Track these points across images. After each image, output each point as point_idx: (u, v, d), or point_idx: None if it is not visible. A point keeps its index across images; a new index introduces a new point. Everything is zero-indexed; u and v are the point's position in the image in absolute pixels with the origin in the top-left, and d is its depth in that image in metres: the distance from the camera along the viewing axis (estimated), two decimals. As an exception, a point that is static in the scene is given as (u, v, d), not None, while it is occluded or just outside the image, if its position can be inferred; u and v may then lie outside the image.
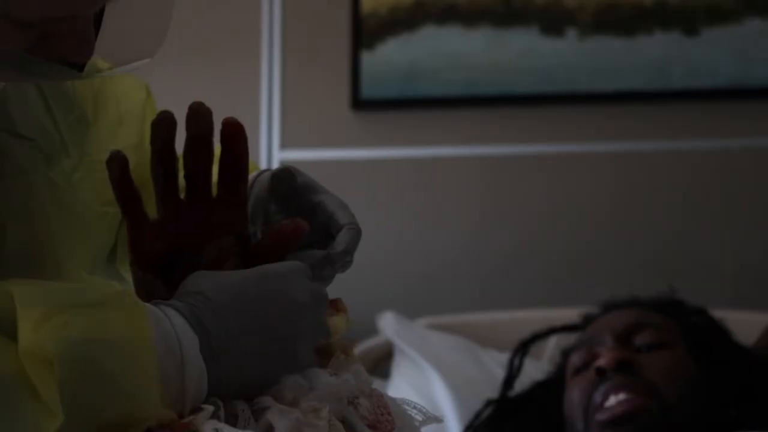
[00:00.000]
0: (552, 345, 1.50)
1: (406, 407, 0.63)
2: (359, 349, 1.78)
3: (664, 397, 1.08)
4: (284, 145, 2.31)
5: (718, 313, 1.30)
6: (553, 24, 2.25)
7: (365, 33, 2.30)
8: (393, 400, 0.63)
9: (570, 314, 1.39)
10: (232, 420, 0.56)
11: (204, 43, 2.42)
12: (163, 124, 0.70)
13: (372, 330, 1.78)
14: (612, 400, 1.09)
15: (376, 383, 1.41)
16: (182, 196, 0.72)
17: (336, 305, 0.69)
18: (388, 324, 1.74)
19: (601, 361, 1.13)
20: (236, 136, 0.71)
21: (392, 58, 2.29)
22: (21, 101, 0.75)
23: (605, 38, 2.23)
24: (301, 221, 0.69)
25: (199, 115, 0.70)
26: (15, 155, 0.72)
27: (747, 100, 2.20)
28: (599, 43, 2.23)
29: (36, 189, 0.73)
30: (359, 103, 2.30)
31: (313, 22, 2.37)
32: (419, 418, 0.64)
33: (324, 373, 0.59)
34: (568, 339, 1.32)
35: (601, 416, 1.09)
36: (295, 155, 2.28)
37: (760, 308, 1.74)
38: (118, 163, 0.69)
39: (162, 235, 0.70)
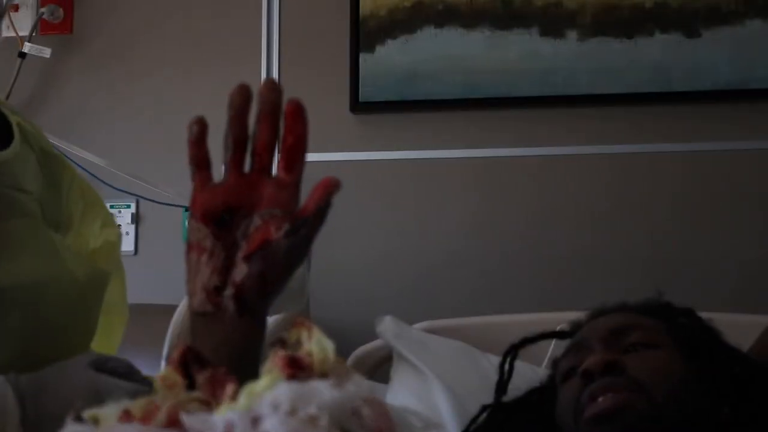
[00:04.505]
0: (551, 350, 1.49)
1: (406, 414, 0.62)
2: (358, 353, 1.77)
3: (652, 394, 1.08)
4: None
5: (715, 316, 1.29)
6: (553, 26, 2.24)
7: (364, 35, 2.30)
8: (393, 407, 0.62)
9: (569, 317, 1.38)
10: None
11: (204, 46, 2.42)
12: (238, 93, 0.77)
13: (371, 334, 1.78)
14: (599, 400, 1.09)
15: (375, 388, 1.40)
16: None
17: (301, 323, 0.68)
18: (387, 328, 1.73)
19: (587, 365, 1.12)
20: (297, 116, 0.77)
21: (391, 60, 2.28)
22: (26, 167, 0.99)
23: (605, 40, 2.23)
24: (331, 177, 0.75)
25: (268, 92, 0.77)
26: (20, 203, 0.92)
27: (747, 102, 2.20)
28: (599, 45, 2.23)
29: (36, 228, 0.95)
30: (358, 105, 2.29)
31: (312, 24, 2.37)
32: (419, 425, 0.63)
33: (325, 384, 0.59)
34: (566, 345, 1.32)
35: (588, 413, 1.08)
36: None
37: (757, 310, 1.74)
38: (198, 127, 0.77)
39: (218, 197, 0.78)
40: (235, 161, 0.79)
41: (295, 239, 0.77)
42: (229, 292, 0.77)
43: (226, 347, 0.77)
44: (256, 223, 0.77)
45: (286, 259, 0.77)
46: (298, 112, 0.77)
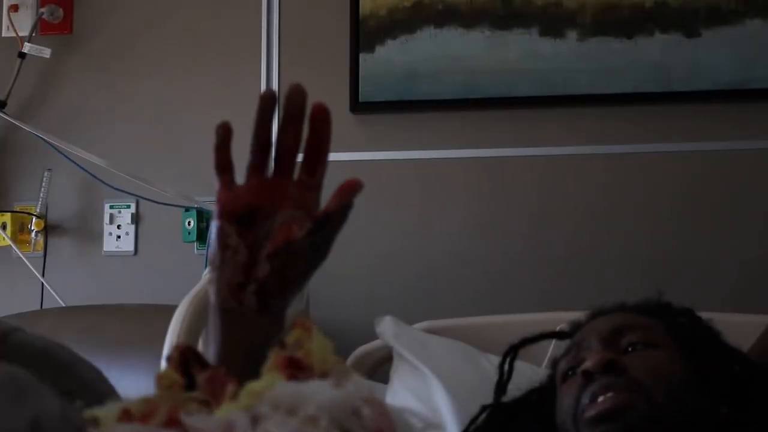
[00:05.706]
0: (551, 350, 1.49)
1: (406, 414, 0.62)
2: (358, 353, 1.77)
3: (651, 394, 1.08)
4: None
5: (715, 316, 1.29)
6: (552, 26, 2.24)
7: (364, 35, 2.29)
8: (393, 407, 0.62)
9: (569, 317, 1.38)
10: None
11: (204, 46, 2.41)
12: (265, 97, 0.80)
13: (371, 334, 1.78)
14: (600, 400, 1.09)
15: (375, 388, 1.39)
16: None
17: (301, 323, 0.68)
18: (387, 328, 1.73)
19: (587, 365, 1.12)
20: (323, 119, 0.80)
21: (391, 60, 2.28)
22: None
23: (605, 40, 2.22)
24: (355, 179, 0.79)
25: (294, 96, 0.80)
26: None
27: (747, 102, 2.19)
28: (599, 45, 2.22)
29: None
30: (358, 105, 2.29)
31: (312, 24, 2.37)
32: (419, 425, 0.63)
33: (325, 384, 0.59)
34: (566, 345, 1.32)
35: (588, 413, 1.08)
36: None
37: (757, 310, 1.74)
38: (224, 131, 0.80)
39: (241, 198, 0.81)
40: (258, 164, 0.81)
41: (317, 238, 0.79)
42: (251, 288, 0.79)
43: (246, 343, 0.78)
44: (279, 224, 0.80)
45: (307, 258, 0.80)
46: (323, 115, 0.81)
